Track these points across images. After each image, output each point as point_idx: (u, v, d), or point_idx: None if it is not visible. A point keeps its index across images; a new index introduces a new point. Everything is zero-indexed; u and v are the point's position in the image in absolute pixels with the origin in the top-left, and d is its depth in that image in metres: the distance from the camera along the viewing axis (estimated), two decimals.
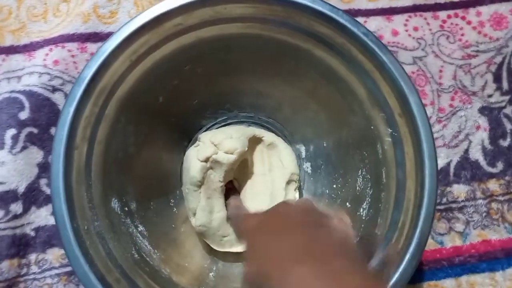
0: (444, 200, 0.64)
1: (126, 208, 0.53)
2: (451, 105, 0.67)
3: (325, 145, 0.61)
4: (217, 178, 0.56)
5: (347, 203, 0.57)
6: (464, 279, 0.61)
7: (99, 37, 0.67)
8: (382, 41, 0.48)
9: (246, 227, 0.44)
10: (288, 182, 0.61)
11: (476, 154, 0.66)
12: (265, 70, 0.57)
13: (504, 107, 0.68)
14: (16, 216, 0.61)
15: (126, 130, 0.53)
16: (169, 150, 0.61)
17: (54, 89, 0.64)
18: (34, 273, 0.60)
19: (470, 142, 0.66)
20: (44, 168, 0.63)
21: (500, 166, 0.66)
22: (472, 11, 0.71)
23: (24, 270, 0.60)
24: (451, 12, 0.71)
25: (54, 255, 0.61)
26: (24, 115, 0.63)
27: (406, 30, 0.69)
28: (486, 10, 0.71)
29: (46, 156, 0.63)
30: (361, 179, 0.55)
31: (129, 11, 0.68)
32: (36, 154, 0.63)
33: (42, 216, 0.62)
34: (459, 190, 0.64)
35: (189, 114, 0.62)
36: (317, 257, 0.33)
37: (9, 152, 0.62)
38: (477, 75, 0.68)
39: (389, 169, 0.50)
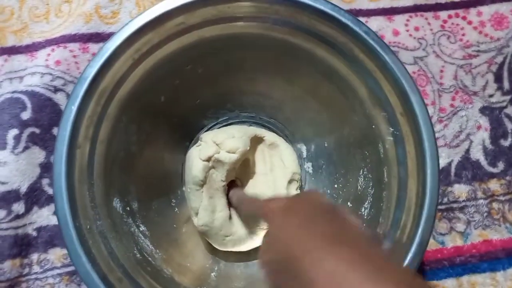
0: (445, 200, 0.64)
1: (128, 208, 0.53)
2: (452, 105, 0.67)
3: (326, 144, 0.61)
4: (219, 177, 0.56)
5: (349, 203, 0.57)
6: (465, 279, 0.61)
7: (101, 38, 0.67)
8: (383, 40, 0.48)
9: (271, 208, 0.42)
10: (290, 182, 0.61)
11: (477, 154, 0.66)
12: (267, 69, 0.58)
13: (505, 107, 0.68)
14: (18, 216, 0.61)
15: (128, 129, 0.53)
16: (171, 149, 0.61)
17: (56, 89, 0.65)
18: (36, 273, 0.60)
19: (471, 142, 0.66)
20: (46, 168, 0.63)
21: (501, 166, 0.66)
22: (473, 11, 0.71)
23: (26, 270, 0.60)
24: (452, 12, 0.71)
25: (56, 255, 0.61)
26: (26, 115, 0.63)
27: (407, 30, 0.69)
28: (487, 10, 0.71)
29: (48, 156, 0.63)
30: (362, 179, 0.55)
31: (130, 11, 0.69)
32: (38, 154, 0.63)
33: (44, 216, 0.62)
34: (460, 190, 0.64)
35: (191, 113, 0.62)
36: (351, 243, 0.32)
37: (11, 152, 0.62)
38: (478, 75, 0.68)
39: (390, 169, 0.50)
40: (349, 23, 0.47)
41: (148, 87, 0.53)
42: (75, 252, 0.43)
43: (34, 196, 0.62)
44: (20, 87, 0.65)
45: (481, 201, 0.64)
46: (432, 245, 0.62)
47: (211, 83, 0.59)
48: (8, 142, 0.62)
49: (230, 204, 0.59)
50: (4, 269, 0.59)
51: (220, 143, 0.56)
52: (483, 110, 0.67)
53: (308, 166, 0.63)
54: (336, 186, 0.60)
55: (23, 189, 0.62)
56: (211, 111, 0.63)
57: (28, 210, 0.61)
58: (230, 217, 0.58)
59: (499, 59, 0.69)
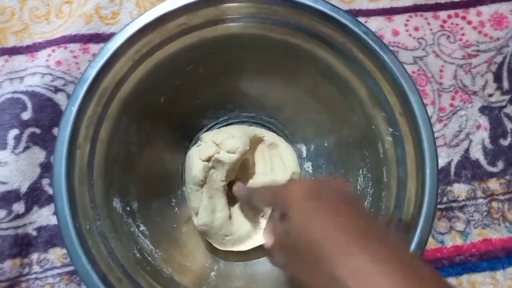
0: (445, 199, 0.64)
1: (128, 208, 0.53)
2: (451, 105, 0.67)
3: (326, 144, 0.61)
4: (219, 177, 0.56)
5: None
6: (464, 278, 0.61)
7: (101, 38, 0.67)
8: (383, 41, 0.48)
9: (292, 191, 0.38)
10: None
11: (477, 154, 0.66)
12: (267, 70, 0.58)
13: (505, 106, 0.68)
14: (18, 216, 0.61)
15: (128, 129, 0.53)
16: (171, 150, 0.62)
17: (57, 90, 0.65)
18: (36, 272, 0.60)
19: (471, 141, 0.66)
20: (46, 168, 0.63)
21: (500, 165, 0.66)
22: (472, 11, 0.71)
23: (26, 270, 0.60)
24: (452, 12, 0.71)
25: (56, 254, 0.61)
26: (26, 115, 0.64)
27: (407, 30, 0.70)
28: (487, 10, 0.71)
29: (49, 156, 0.63)
30: (362, 178, 0.55)
31: (131, 12, 0.69)
32: (38, 154, 0.63)
33: (44, 216, 0.62)
34: (460, 190, 0.64)
35: (191, 114, 0.62)
36: (379, 239, 0.31)
37: (12, 152, 0.62)
38: (478, 74, 0.68)
39: (390, 168, 0.51)
40: (348, 23, 0.48)
41: (149, 88, 0.53)
42: (75, 252, 0.43)
43: (34, 196, 0.62)
44: (20, 87, 0.65)
45: (481, 200, 0.64)
46: (432, 244, 0.62)
47: (212, 83, 0.59)
48: (8, 142, 0.62)
49: (230, 203, 0.59)
50: (4, 269, 0.59)
51: (220, 143, 0.56)
52: (482, 110, 0.67)
53: (308, 166, 0.63)
54: None
55: (23, 189, 0.62)
56: (211, 111, 0.63)
57: (28, 210, 0.61)
58: (230, 217, 0.58)
59: (499, 58, 0.69)
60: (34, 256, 0.61)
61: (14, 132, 0.63)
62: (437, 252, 0.62)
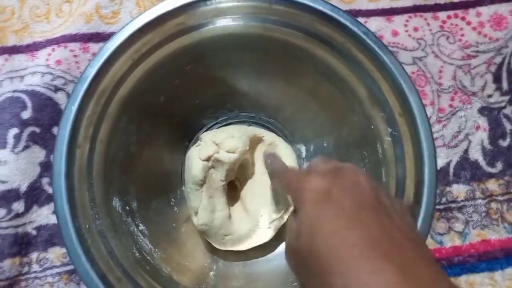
0: (444, 200, 0.64)
1: (127, 207, 0.53)
2: (451, 105, 0.67)
3: (325, 144, 0.61)
4: (218, 177, 0.56)
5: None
6: (463, 278, 0.61)
7: (101, 37, 0.67)
8: (382, 41, 0.48)
9: (306, 189, 0.35)
10: None
11: (476, 154, 0.66)
12: (266, 69, 0.58)
13: (504, 107, 0.68)
14: (18, 215, 0.61)
15: (127, 129, 0.53)
16: (170, 149, 0.62)
17: (57, 89, 0.65)
18: (35, 271, 0.60)
19: (470, 142, 0.66)
20: (46, 167, 0.63)
21: (499, 166, 0.66)
22: (472, 11, 0.71)
23: (26, 269, 0.60)
24: (451, 12, 0.71)
25: (55, 254, 0.61)
26: (26, 114, 0.64)
27: (406, 31, 0.70)
28: (486, 11, 0.71)
29: (48, 155, 0.63)
30: None
31: (131, 11, 0.69)
32: (38, 153, 0.63)
33: (43, 215, 0.62)
34: (459, 190, 0.64)
35: (190, 113, 0.62)
36: (396, 255, 0.28)
37: (12, 151, 0.62)
38: (477, 75, 0.69)
39: (388, 169, 0.51)
40: (347, 23, 0.48)
41: (148, 87, 0.53)
42: (74, 252, 0.43)
43: (34, 195, 0.62)
44: (20, 86, 0.65)
45: (480, 201, 0.64)
46: (431, 244, 0.62)
47: (211, 83, 0.59)
48: (8, 141, 0.62)
49: (229, 203, 0.59)
50: (3, 268, 0.59)
51: (219, 143, 0.56)
52: (482, 111, 0.67)
53: (307, 166, 0.63)
54: None
55: (23, 188, 0.62)
56: (211, 111, 0.63)
57: (28, 209, 0.62)
58: (229, 217, 0.58)
59: (498, 59, 0.69)
60: (34, 255, 0.61)
61: (14, 131, 0.63)
62: (435, 252, 0.62)
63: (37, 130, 0.64)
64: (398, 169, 0.49)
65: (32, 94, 0.64)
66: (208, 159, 0.56)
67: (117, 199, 0.52)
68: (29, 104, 0.64)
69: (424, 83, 0.68)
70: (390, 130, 0.50)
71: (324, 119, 0.60)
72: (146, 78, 0.52)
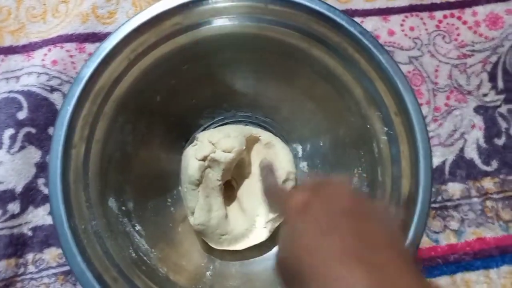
0: (439, 198, 0.64)
1: (124, 208, 0.53)
2: (446, 104, 0.67)
3: (321, 144, 0.61)
4: (215, 177, 0.56)
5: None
6: (459, 276, 0.62)
7: (98, 38, 0.67)
8: (378, 41, 0.48)
9: (290, 205, 0.37)
10: (285, 181, 0.61)
11: (471, 153, 0.66)
12: (263, 69, 0.58)
13: (499, 106, 0.68)
14: (13, 216, 0.61)
15: (123, 129, 0.53)
16: (166, 149, 0.62)
17: (52, 89, 0.65)
18: (31, 272, 0.60)
19: (466, 140, 0.66)
20: (42, 168, 0.63)
21: (494, 164, 0.66)
22: (468, 11, 0.71)
23: (21, 270, 0.60)
24: (447, 12, 0.71)
25: (51, 254, 0.61)
26: (22, 115, 0.63)
27: (403, 30, 0.70)
28: (482, 10, 0.71)
29: (44, 156, 0.63)
30: (357, 178, 0.55)
31: (127, 12, 0.69)
32: (34, 154, 0.63)
33: (39, 216, 0.62)
34: (454, 189, 0.65)
35: (187, 113, 0.62)
36: (372, 258, 0.29)
37: (7, 152, 0.62)
38: (473, 74, 0.69)
39: (384, 168, 0.51)
40: (344, 23, 0.48)
41: (144, 87, 0.53)
42: (70, 252, 0.43)
43: (30, 196, 0.62)
44: (16, 86, 0.65)
45: (475, 199, 0.64)
46: (426, 243, 0.62)
47: (208, 82, 0.59)
48: (4, 141, 0.62)
49: (226, 202, 0.59)
50: None
51: (216, 142, 0.56)
52: (477, 109, 0.68)
53: (304, 165, 0.64)
54: None
55: (19, 188, 0.62)
56: (207, 110, 0.63)
57: (23, 209, 0.61)
58: (226, 216, 0.58)
59: (494, 58, 0.70)
60: (29, 256, 0.61)
61: (9, 131, 0.63)
62: (431, 250, 0.62)
63: (33, 130, 0.63)
64: (394, 168, 0.49)
65: (28, 94, 0.64)
66: (204, 159, 0.56)
67: (113, 199, 0.52)
68: (24, 104, 0.64)
69: (420, 82, 0.68)
70: (386, 129, 0.50)
71: (321, 118, 0.60)
72: (142, 78, 0.52)
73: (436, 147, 0.66)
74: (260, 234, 0.58)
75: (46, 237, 0.61)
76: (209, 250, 0.59)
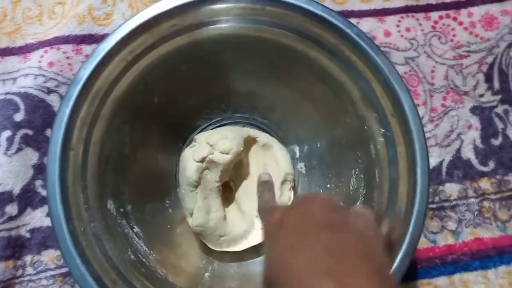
0: (437, 199, 0.64)
1: (122, 209, 0.53)
2: (443, 105, 0.68)
3: (319, 145, 0.61)
4: (213, 178, 0.56)
5: (341, 203, 0.57)
6: (457, 277, 0.62)
7: (94, 39, 0.67)
8: (374, 42, 0.48)
9: (267, 222, 0.40)
10: (283, 182, 0.61)
11: (468, 153, 0.66)
12: (260, 70, 0.58)
13: (496, 106, 0.68)
14: (11, 218, 0.61)
15: (121, 130, 0.53)
16: (164, 151, 0.62)
17: (49, 91, 0.65)
18: (29, 274, 0.60)
19: (462, 141, 0.67)
20: (39, 170, 0.63)
21: (491, 165, 0.66)
22: (463, 12, 0.71)
23: (20, 272, 0.60)
24: (443, 13, 0.71)
25: (49, 256, 0.61)
26: (19, 116, 0.63)
27: (399, 31, 0.70)
28: (477, 11, 0.72)
29: (41, 157, 0.63)
30: (354, 179, 0.56)
31: (124, 13, 0.69)
32: (31, 156, 0.63)
33: (37, 218, 0.61)
34: (451, 189, 0.65)
35: (184, 114, 0.62)
36: (340, 270, 0.30)
37: (4, 153, 0.62)
38: (469, 75, 0.69)
39: (382, 169, 0.51)
40: (340, 25, 0.48)
41: (142, 88, 0.53)
42: (69, 255, 0.43)
43: (27, 198, 0.62)
44: (13, 88, 0.64)
45: (472, 199, 0.65)
46: (424, 243, 0.63)
47: (205, 84, 0.59)
48: (1, 143, 0.62)
49: (224, 204, 0.60)
50: None
51: (213, 144, 0.56)
52: (473, 110, 0.68)
53: (301, 166, 0.64)
54: (328, 186, 0.60)
55: (16, 190, 0.61)
56: (205, 112, 0.63)
57: (21, 211, 0.61)
58: (224, 218, 0.58)
59: (490, 59, 0.70)
60: (28, 258, 0.60)
61: (6, 133, 0.62)
62: (429, 251, 0.62)
63: (30, 132, 0.63)
64: (391, 169, 0.49)
65: (24, 96, 0.64)
66: (202, 160, 0.56)
67: (112, 201, 0.51)
68: (21, 106, 0.64)
69: (417, 83, 0.68)
70: (383, 130, 0.50)
71: (318, 119, 0.60)
72: (140, 80, 0.52)
73: (433, 148, 0.66)
74: (258, 235, 0.58)
75: (44, 239, 0.61)
76: (208, 251, 0.59)
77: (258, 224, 0.59)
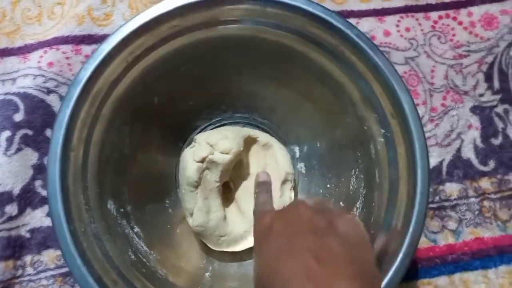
0: (437, 198, 0.64)
1: (122, 210, 0.53)
2: (443, 105, 0.68)
3: (318, 145, 0.61)
4: (213, 178, 0.56)
5: (341, 203, 0.57)
6: (457, 276, 0.62)
7: (94, 39, 0.67)
8: (374, 43, 0.48)
9: (256, 229, 0.42)
10: (284, 182, 0.61)
11: (468, 153, 0.66)
12: (260, 71, 0.58)
13: (496, 106, 0.68)
14: (11, 218, 0.61)
15: (121, 131, 0.53)
16: (164, 151, 0.62)
17: (49, 91, 0.65)
18: (29, 274, 0.60)
19: (462, 141, 0.67)
20: (39, 170, 0.63)
21: (492, 164, 0.66)
22: (463, 11, 0.71)
23: (20, 272, 0.60)
24: (443, 12, 0.71)
25: (49, 256, 0.61)
26: (18, 117, 0.63)
27: (398, 31, 0.70)
28: (477, 11, 0.72)
29: (41, 157, 0.63)
30: (354, 179, 0.56)
31: (123, 13, 0.68)
32: (31, 156, 0.63)
33: (37, 218, 0.61)
34: (452, 189, 0.65)
35: (184, 115, 0.62)
36: (323, 273, 0.31)
37: (4, 154, 0.62)
38: (469, 74, 0.69)
39: (382, 169, 0.51)
40: (340, 26, 0.48)
41: (142, 89, 0.53)
42: (70, 255, 0.43)
43: (27, 198, 0.62)
44: (12, 89, 0.64)
45: (473, 199, 0.65)
46: (424, 243, 0.63)
47: (205, 84, 0.59)
48: (0, 144, 0.62)
49: (224, 204, 0.60)
50: None
51: (213, 144, 0.56)
52: (473, 109, 0.68)
53: (301, 166, 0.64)
54: (328, 186, 0.60)
55: (16, 190, 0.61)
56: (205, 112, 0.63)
57: (21, 211, 0.61)
58: (224, 218, 0.58)
59: (489, 59, 0.70)
60: (28, 258, 0.60)
61: (6, 133, 0.62)
62: (429, 251, 0.62)
63: (30, 132, 0.63)
64: (391, 170, 0.49)
65: (24, 96, 0.64)
66: (202, 161, 0.56)
67: (112, 202, 0.51)
68: (21, 106, 0.64)
69: (416, 82, 0.68)
70: (382, 131, 0.50)
71: (317, 120, 0.60)
72: (140, 80, 0.52)
73: (433, 148, 0.66)
74: None
75: (44, 239, 0.61)
76: (208, 251, 0.59)
77: None
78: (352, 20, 0.69)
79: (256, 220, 0.44)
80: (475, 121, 0.68)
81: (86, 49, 0.67)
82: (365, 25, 0.70)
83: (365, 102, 0.51)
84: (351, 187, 0.56)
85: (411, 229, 0.45)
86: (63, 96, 0.63)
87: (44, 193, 0.62)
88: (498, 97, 0.69)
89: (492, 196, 0.65)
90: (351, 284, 0.30)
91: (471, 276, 0.62)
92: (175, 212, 0.60)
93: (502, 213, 0.64)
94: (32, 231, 0.61)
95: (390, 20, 0.70)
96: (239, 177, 0.62)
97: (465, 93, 0.68)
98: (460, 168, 0.66)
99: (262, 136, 0.63)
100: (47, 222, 0.61)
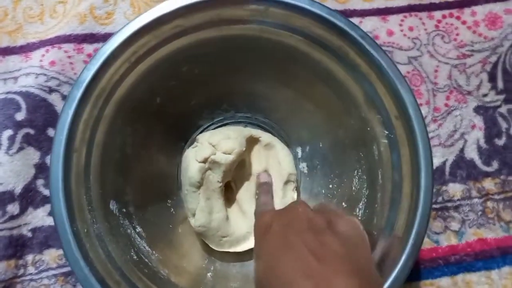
0: (440, 199, 0.64)
1: (124, 210, 0.53)
2: (446, 105, 0.68)
3: (321, 145, 0.61)
4: (215, 178, 0.56)
5: (343, 203, 0.57)
6: (460, 277, 0.62)
7: (96, 38, 0.67)
8: (378, 43, 0.48)
9: (256, 226, 0.43)
10: (286, 183, 0.61)
11: (472, 153, 0.66)
12: (263, 71, 0.58)
13: (499, 106, 0.68)
14: (13, 217, 0.61)
15: (123, 131, 0.53)
16: (166, 151, 0.61)
17: (51, 90, 0.64)
18: (31, 274, 0.60)
19: (466, 141, 0.66)
20: (40, 169, 0.63)
21: (495, 165, 0.66)
22: (467, 11, 0.71)
23: (21, 271, 0.60)
24: (446, 12, 0.71)
25: (51, 255, 0.61)
26: (20, 116, 0.63)
27: (402, 30, 0.70)
28: (481, 10, 0.71)
29: (43, 157, 0.63)
30: (357, 180, 0.56)
31: (125, 12, 0.68)
32: (32, 155, 0.63)
33: (39, 217, 0.62)
34: (455, 189, 0.65)
35: (186, 114, 0.62)
36: (321, 271, 0.31)
37: (6, 153, 0.62)
38: (472, 74, 0.69)
39: (385, 170, 0.51)
40: (344, 27, 0.48)
41: (144, 89, 0.53)
42: (73, 256, 0.43)
43: (29, 197, 0.62)
44: (14, 87, 0.64)
45: (476, 200, 0.65)
46: (427, 244, 0.63)
47: (207, 84, 0.59)
48: (2, 143, 0.62)
49: (227, 204, 0.59)
50: None
51: (216, 144, 0.56)
52: (477, 110, 0.68)
53: (303, 166, 0.64)
54: (331, 186, 0.60)
55: (18, 190, 0.61)
56: (207, 111, 0.63)
57: (23, 211, 0.61)
58: (227, 218, 0.58)
59: (493, 58, 0.70)
60: (29, 257, 0.61)
61: (8, 132, 0.62)
62: (432, 252, 0.62)
63: (32, 131, 0.63)
64: (394, 171, 0.49)
65: (26, 95, 0.64)
66: (204, 161, 0.55)
67: (114, 202, 0.51)
68: (23, 105, 0.63)
69: (420, 82, 0.68)
70: (386, 132, 0.50)
71: (320, 120, 0.60)
72: (142, 80, 0.52)
73: (436, 148, 0.66)
74: None
75: (46, 238, 0.61)
76: (210, 251, 0.59)
77: None
78: (355, 19, 0.69)
79: (257, 219, 0.44)
80: (478, 121, 0.67)
81: (88, 47, 0.67)
82: (368, 24, 0.69)
83: (369, 103, 0.51)
84: (353, 188, 0.56)
85: (414, 230, 0.45)
86: (65, 96, 0.63)
87: (45, 192, 0.62)
88: (502, 97, 0.68)
89: (496, 196, 0.65)
90: (350, 281, 0.30)
91: (474, 277, 0.62)
92: (177, 212, 0.60)
93: (505, 214, 0.64)
94: (33, 230, 0.61)
95: (393, 19, 0.70)
96: (241, 178, 0.62)
97: (469, 93, 0.68)
98: (463, 169, 0.65)
99: (265, 136, 0.62)
100: (49, 221, 0.61)
